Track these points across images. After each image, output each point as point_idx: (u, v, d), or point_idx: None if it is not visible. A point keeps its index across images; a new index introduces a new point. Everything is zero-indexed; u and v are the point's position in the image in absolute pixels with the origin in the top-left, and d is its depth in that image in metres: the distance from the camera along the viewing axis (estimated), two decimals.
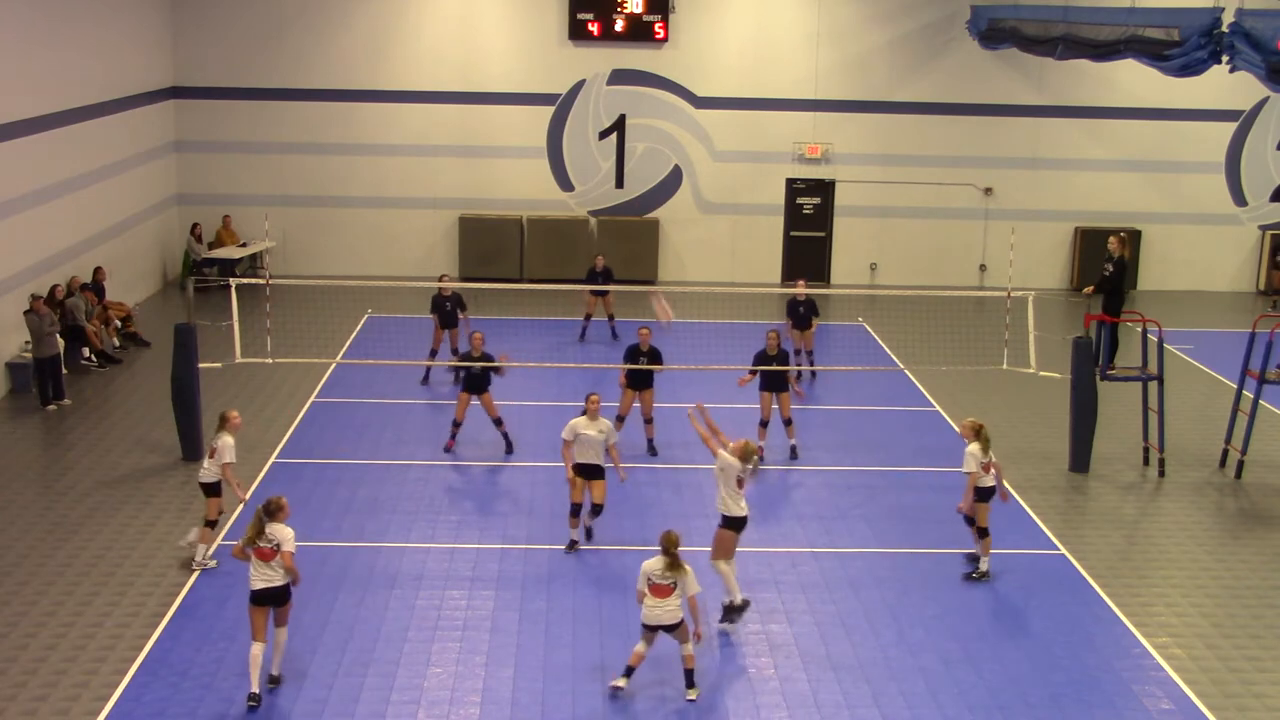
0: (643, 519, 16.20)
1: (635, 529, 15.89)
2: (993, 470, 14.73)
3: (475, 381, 18.23)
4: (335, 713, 11.74)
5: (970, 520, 14.93)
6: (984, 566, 14.82)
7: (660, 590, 11.84)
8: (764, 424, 18.53)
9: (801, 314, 21.84)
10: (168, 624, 13.25)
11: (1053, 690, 12.38)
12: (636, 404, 18.60)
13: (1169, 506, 17.23)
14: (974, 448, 14.70)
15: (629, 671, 12.11)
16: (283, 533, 11.83)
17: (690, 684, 12.09)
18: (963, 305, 26.02)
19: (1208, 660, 13.09)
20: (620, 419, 18.38)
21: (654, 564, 11.88)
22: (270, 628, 11.98)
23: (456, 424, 18.42)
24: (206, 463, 14.61)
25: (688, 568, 11.93)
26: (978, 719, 11.89)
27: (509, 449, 18.39)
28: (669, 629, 11.96)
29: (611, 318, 24.37)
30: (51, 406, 20.07)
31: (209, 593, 13.98)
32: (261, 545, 11.80)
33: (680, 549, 11.97)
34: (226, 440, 14.48)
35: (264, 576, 11.82)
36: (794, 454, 18.65)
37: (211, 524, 14.63)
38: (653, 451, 18.47)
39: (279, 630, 12.08)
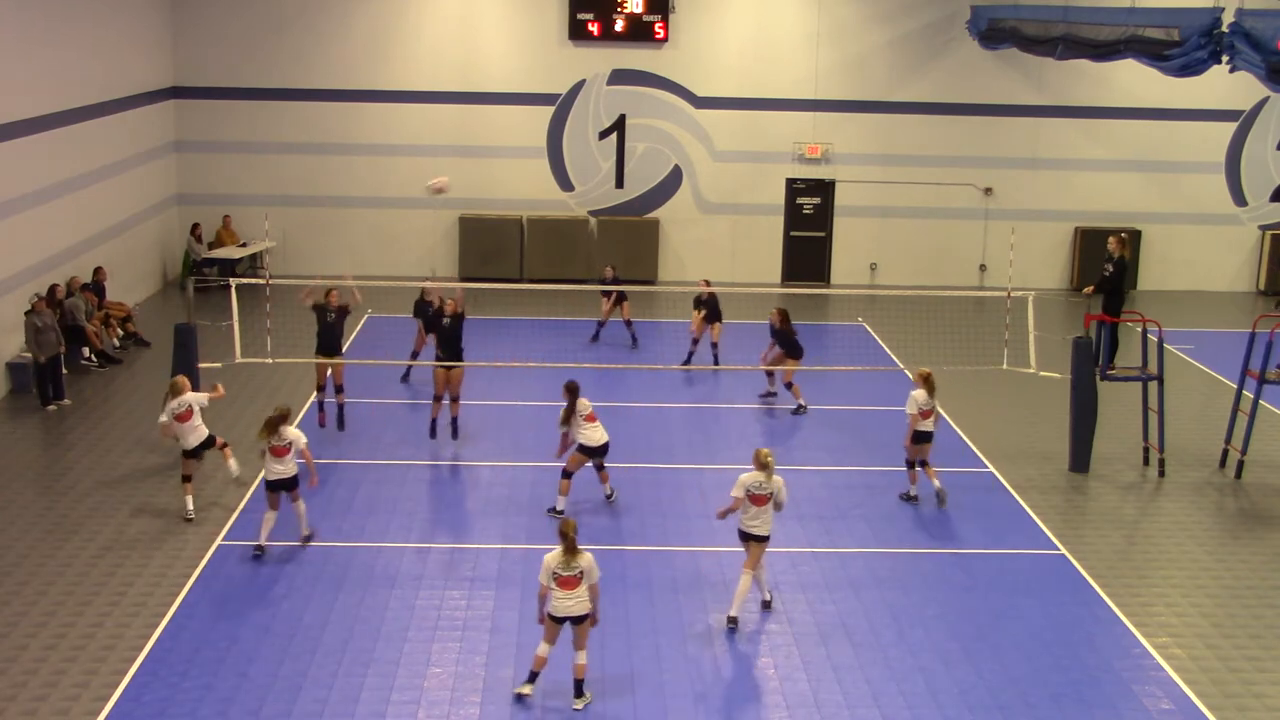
0: (643, 518, 16.21)
1: (635, 528, 15.91)
2: (933, 417, 16.53)
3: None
4: (335, 713, 11.74)
5: (911, 464, 16.86)
6: (912, 491, 16.87)
7: (567, 582, 11.73)
8: (769, 375, 20.89)
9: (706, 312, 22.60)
10: (168, 624, 13.26)
11: (1053, 690, 12.38)
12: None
13: (1169, 506, 17.23)
14: (917, 393, 16.44)
15: (532, 677, 11.98)
16: (294, 433, 14.73)
17: (579, 693, 11.91)
18: (963, 305, 26.03)
19: (1208, 660, 13.09)
20: (438, 398, 18.60)
21: (556, 556, 11.75)
22: (286, 505, 14.88)
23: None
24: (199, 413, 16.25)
25: (588, 554, 11.85)
26: (977, 719, 11.90)
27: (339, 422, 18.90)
28: (576, 620, 11.81)
29: (629, 323, 24.21)
30: (51, 407, 20.08)
31: (209, 593, 13.99)
32: (276, 444, 14.58)
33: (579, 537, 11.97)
34: (192, 397, 16.16)
35: (277, 470, 14.70)
36: (800, 410, 20.40)
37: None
38: (454, 434, 18.61)
39: (296, 504, 14.94)
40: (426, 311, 21.36)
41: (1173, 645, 13.36)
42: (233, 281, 19.68)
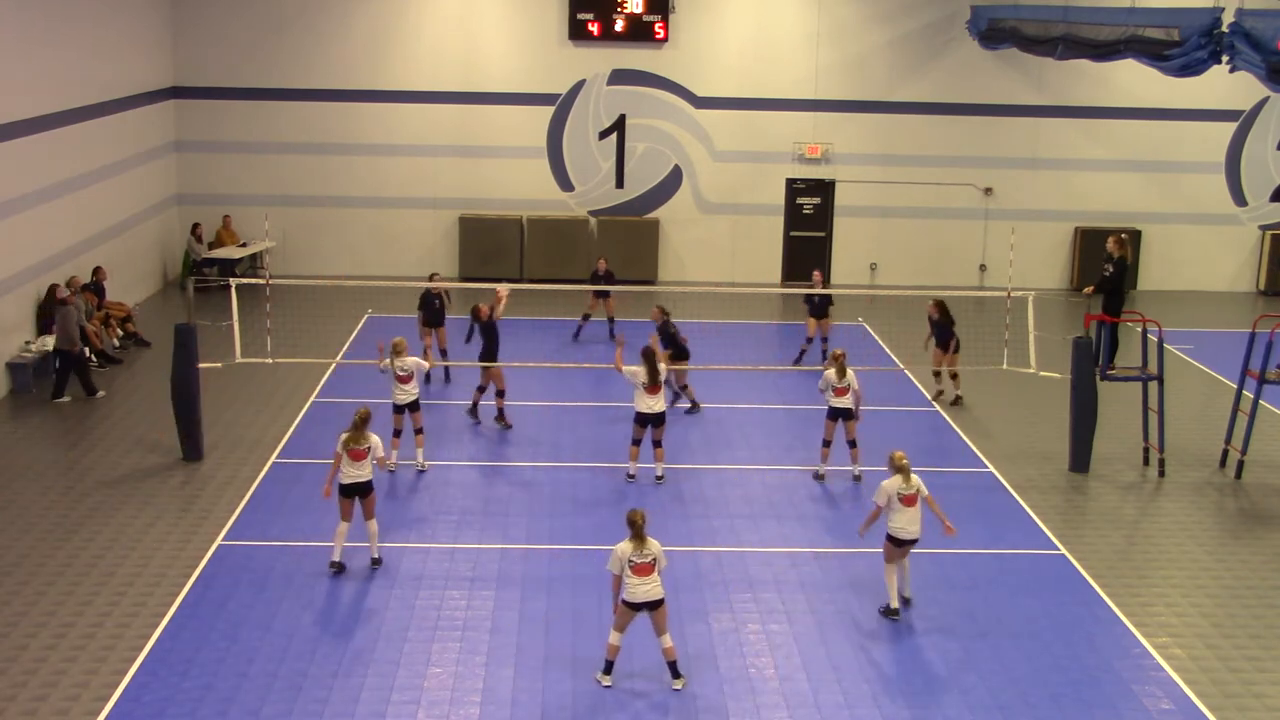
0: None
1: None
2: (850, 395, 17.30)
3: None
4: (335, 713, 11.74)
5: (826, 442, 17.68)
6: (821, 471, 17.64)
7: (642, 569, 12.03)
8: (937, 375, 21.39)
9: (817, 304, 23.09)
10: (168, 623, 13.26)
11: (1053, 690, 12.38)
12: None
13: (1169, 506, 17.23)
14: (829, 372, 17.43)
15: (609, 667, 12.29)
16: (373, 439, 14.48)
17: (676, 674, 12.26)
18: (963, 305, 25.98)
19: (1208, 660, 13.09)
20: (481, 388, 19.59)
21: (628, 545, 12.06)
22: (360, 520, 14.58)
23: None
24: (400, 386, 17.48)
25: (656, 542, 12.20)
26: (978, 719, 11.90)
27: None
28: (653, 607, 12.08)
29: (612, 320, 24.34)
30: (66, 398, 20.51)
31: (209, 592, 13.99)
32: (355, 447, 14.33)
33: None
34: (413, 360, 17.53)
35: (353, 474, 14.36)
36: (958, 400, 21.19)
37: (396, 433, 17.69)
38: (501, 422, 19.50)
39: (369, 521, 14.56)
40: (433, 305, 21.57)
41: (1173, 645, 13.36)
42: (233, 281, 19.68)
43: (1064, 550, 15.63)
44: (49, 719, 11.56)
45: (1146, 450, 18.69)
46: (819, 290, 23.01)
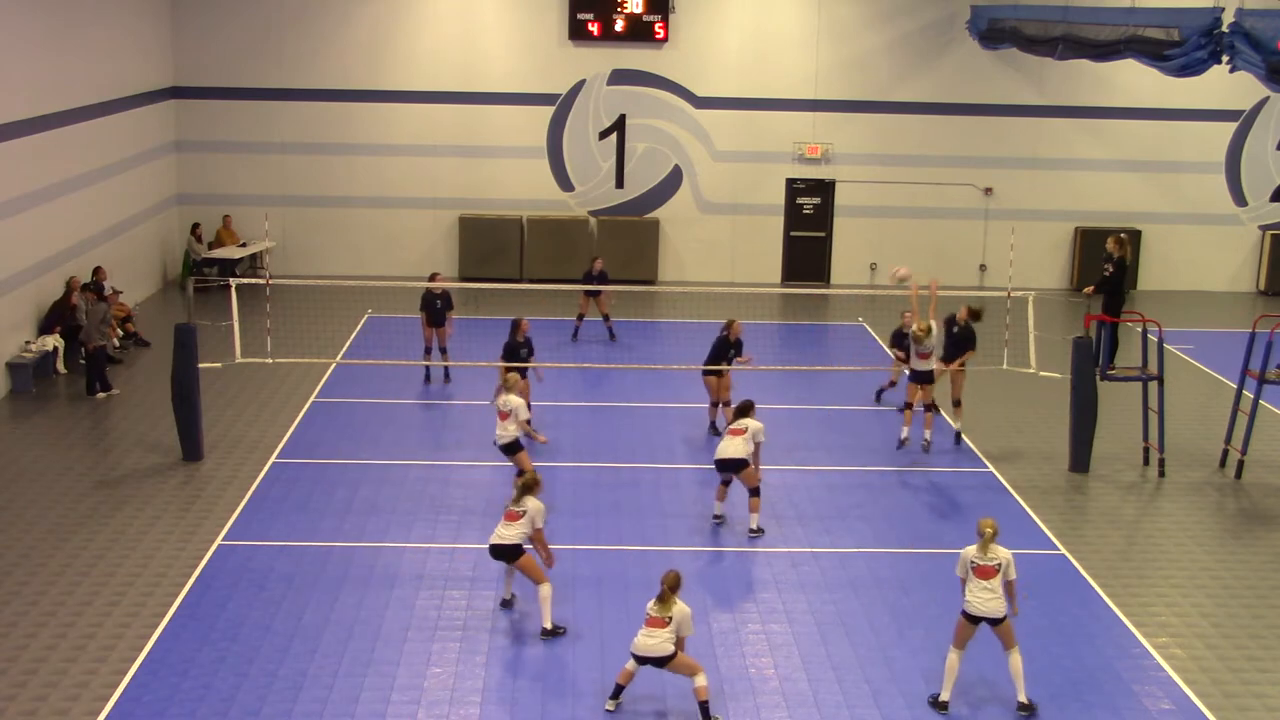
0: (642, 519, 16.21)
1: (635, 529, 15.90)
2: (932, 359, 18.06)
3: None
4: (335, 713, 11.74)
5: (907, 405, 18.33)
6: (904, 436, 18.21)
7: (654, 622, 11.62)
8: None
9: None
10: (168, 624, 13.26)
11: (1053, 690, 12.38)
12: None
13: (1169, 506, 17.23)
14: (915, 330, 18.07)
15: (618, 691, 11.87)
16: (533, 505, 13.32)
17: (705, 716, 11.54)
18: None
19: (1208, 660, 13.10)
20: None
21: (652, 602, 11.67)
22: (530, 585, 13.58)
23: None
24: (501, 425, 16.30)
25: (684, 608, 11.64)
26: (978, 718, 11.89)
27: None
28: (658, 662, 11.62)
29: (607, 318, 24.35)
30: (100, 395, 20.59)
31: (209, 593, 13.99)
32: (513, 510, 13.28)
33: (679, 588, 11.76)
34: (516, 400, 16.25)
35: (499, 534, 13.31)
36: (957, 439, 19.30)
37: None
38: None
39: (539, 586, 13.26)
40: (434, 305, 21.51)
41: (1173, 645, 13.36)
42: (233, 281, 19.68)
43: (1064, 550, 15.63)
44: (49, 719, 11.56)
45: (1146, 450, 18.69)
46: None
